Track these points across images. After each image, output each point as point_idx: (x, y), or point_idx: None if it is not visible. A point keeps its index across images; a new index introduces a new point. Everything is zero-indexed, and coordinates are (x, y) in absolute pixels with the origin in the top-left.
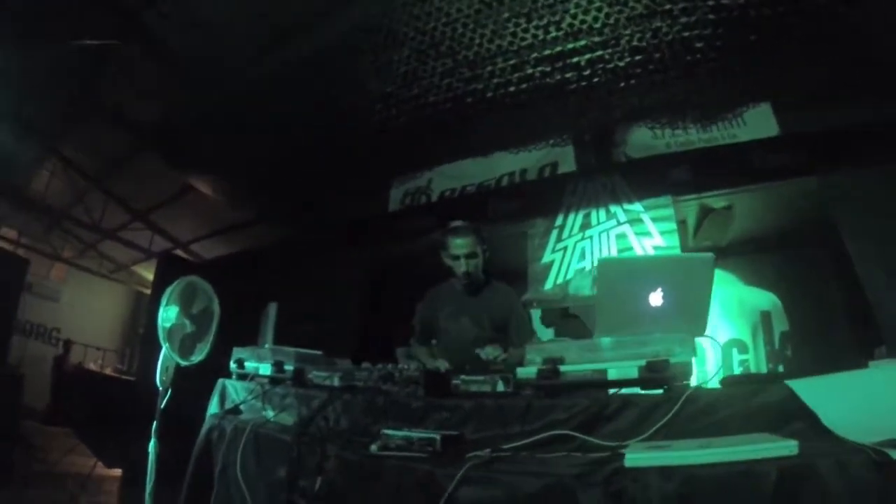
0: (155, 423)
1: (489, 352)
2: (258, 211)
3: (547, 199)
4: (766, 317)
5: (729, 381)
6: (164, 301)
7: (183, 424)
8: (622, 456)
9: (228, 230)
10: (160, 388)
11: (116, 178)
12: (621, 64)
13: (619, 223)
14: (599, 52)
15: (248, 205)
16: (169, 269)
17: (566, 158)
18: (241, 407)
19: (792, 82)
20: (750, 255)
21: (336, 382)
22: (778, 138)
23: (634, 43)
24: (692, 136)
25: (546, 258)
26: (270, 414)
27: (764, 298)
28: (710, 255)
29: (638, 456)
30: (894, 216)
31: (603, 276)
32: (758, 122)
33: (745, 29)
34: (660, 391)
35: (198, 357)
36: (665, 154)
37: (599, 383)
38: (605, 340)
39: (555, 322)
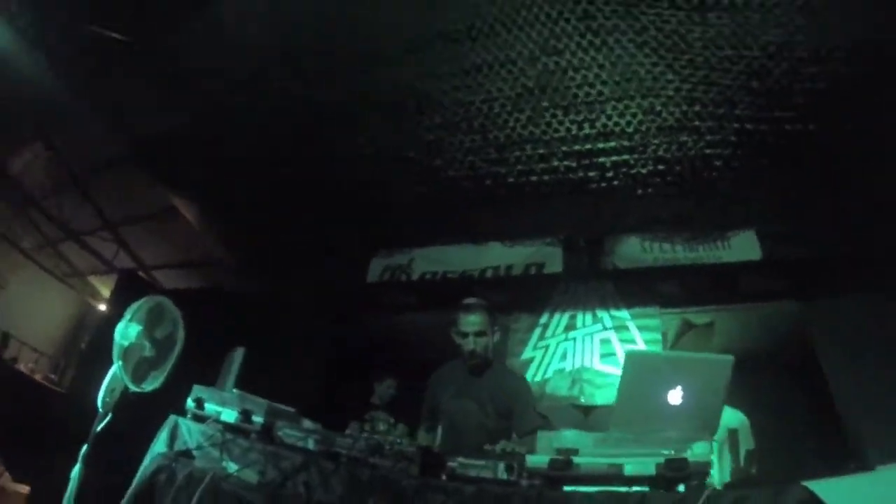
0: (85, 447)
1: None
2: (233, 251)
3: (534, 295)
4: (733, 434)
5: (737, 484)
6: (126, 317)
7: (115, 454)
8: None
9: (198, 265)
10: (100, 410)
11: (99, 181)
12: (643, 171)
13: (604, 328)
14: (626, 157)
15: (224, 242)
16: (129, 288)
17: (554, 260)
18: (195, 452)
19: (783, 211)
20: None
21: (311, 445)
22: (763, 262)
23: (660, 153)
24: (679, 254)
25: (526, 354)
26: (232, 467)
27: (733, 416)
28: (729, 357)
29: None
30: (868, 341)
31: (628, 369)
32: (742, 247)
33: (760, 152)
34: (679, 489)
35: (150, 385)
36: (656, 267)
37: (615, 478)
38: (623, 435)
39: None
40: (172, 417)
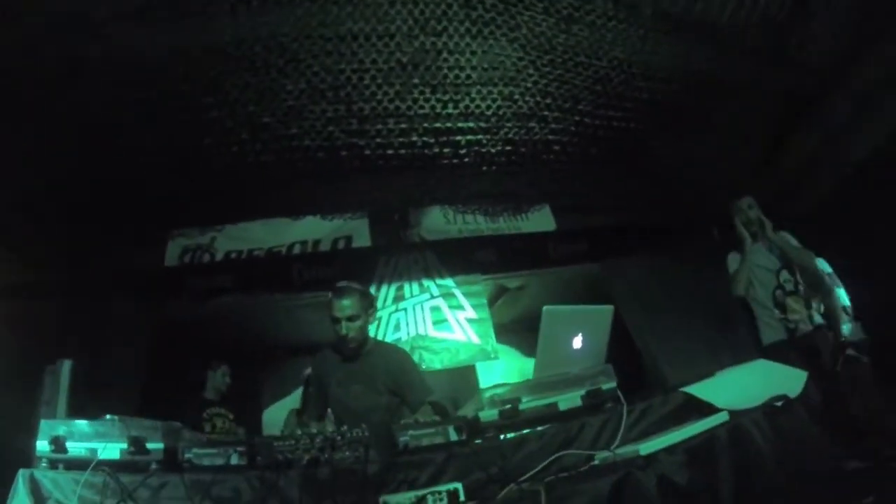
0: None
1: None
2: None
3: (358, 269)
4: None
5: (637, 399)
6: None
7: None
8: (635, 453)
9: None
10: None
11: None
12: (493, 150)
13: (432, 296)
14: (480, 137)
15: None
16: None
17: (361, 233)
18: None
19: (584, 187)
20: (532, 331)
21: (235, 460)
22: (566, 231)
23: (510, 136)
24: (481, 225)
25: (371, 331)
26: None
27: None
28: (610, 307)
29: (647, 445)
30: (656, 293)
31: (546, 323)
32: (540, 219)
33: (590, 141)
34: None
35: None
36: (468, 237)
37: (554, 415)
38: (550, 379)
39: None
40: (22, 472)
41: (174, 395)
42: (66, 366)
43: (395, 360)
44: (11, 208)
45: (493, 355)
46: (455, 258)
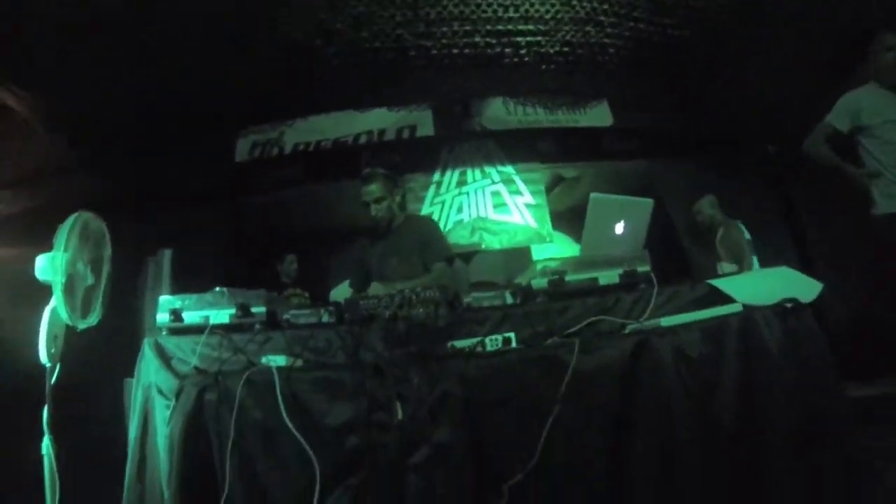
0: (46, 412)
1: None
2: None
3: (423, 156)
4: None
5: (668, 284)
6: (59, 244)
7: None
8: (657, 324)
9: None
10: (46, 364)
11: None
12: (551, 51)
13: (493, 182)
14: (539, 38)
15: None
16: None
17: (425, 123)
18: (197, 363)
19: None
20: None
21: (326, 318)
22: (617, 127)
23: (567, 38)
24: (540, 116)
25: (424, 210)
26: (280, 360)
27: None
28: (651, 200)
29: (668, 319)
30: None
31: (592, 208)
32: (597, 114)
33: (643, 46)
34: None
35: (95, 317)
36: (534, 128)
37: (594, 289)
38: (593, 257)
39: None
40: (147, 339)
41: (253, 280)
42: (167, 254)
43: (421, 229)
44: (106, 117)
45: (547, 239)
46: (516, 147)
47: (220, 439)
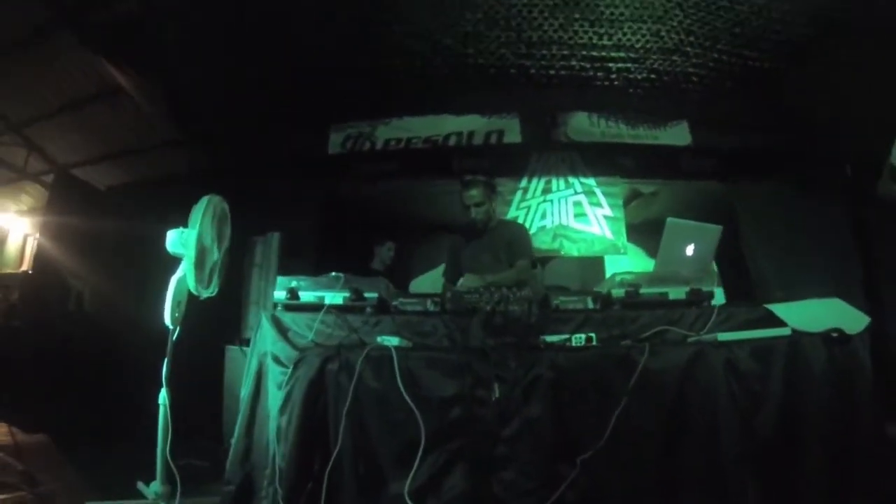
0: (165, 368)
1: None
2: (184, 130)
3: (510, 162)
4: None
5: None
6: (196, 220)
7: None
8: (714, 338)
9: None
10: (170, 327)
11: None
12: (639, 77)
13: (575, 192)
14: (629, 65)
15: (176, 121)
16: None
17: (512, 129)
18: (313, 337)
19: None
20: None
21: (430, 307)
22: (695, 147)
23: (655, 66)
24: (622, 130)
25: (511, 214)
26: (394, 340)
27: None
28: (720, 227)
29: (724, 335)
30: (776, 219)
31: (667, 231)
32: (676, 133)
33: (725, 76)
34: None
35: (214, 289)
36: (614, 142)
37: (664, 302)
38: (665, 274)
39: None
40: (264, 314)
41: (342, 265)
42: (276, 237)
43: (511, 232)
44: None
45: (622, 251)
46: (598, 160)
47: (336, 402)
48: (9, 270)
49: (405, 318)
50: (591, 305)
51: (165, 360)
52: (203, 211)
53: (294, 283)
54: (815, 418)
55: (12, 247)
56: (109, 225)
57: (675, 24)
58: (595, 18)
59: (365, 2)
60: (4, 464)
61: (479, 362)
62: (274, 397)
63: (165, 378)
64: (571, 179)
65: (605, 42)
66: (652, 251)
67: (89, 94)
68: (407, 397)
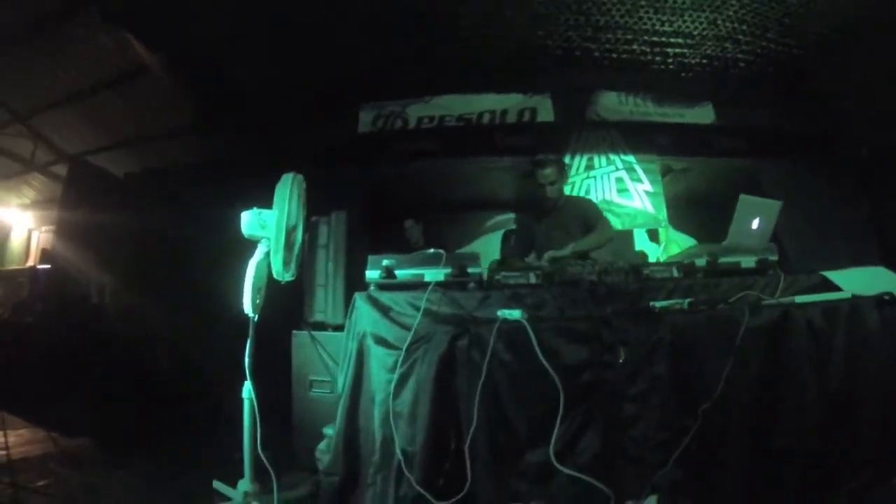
0: (247, 359)
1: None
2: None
3: (551, 140)
4: None
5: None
6: (284, 198)
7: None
8: (792, 301)
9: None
10: (251, 315)
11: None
12: (692, 62)
13: (617, 169)
14: (685, 51)
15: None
16: (84, 181)
17: (544, 107)
18: (417, 315)
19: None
20: (688, 208)
21: (532, 280)
22: (724, 126)
23: (708, 52)
24: (650, 109)
25: None
26: (516, 314)
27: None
28: (779, 202)
29: (800, 298)
30: (799, 194)
31: (740, 206)
32: (701, 112)
33: (769, 62)
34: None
35: (293, 273)
36: (651, 122)
37: (738, 270)
38: (738, 245)
39: None
40: (358, 294)
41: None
42: (342, 216)
43: (581, 207)
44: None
45: (662, 223)
46: (637, 139)
47: (470, 378)
48: (13, 266)
49: (512, 292)
50: (675, 274)
51: (247, 351)
52: (289, 189)
53: (387, 262)
54: (871, 367)
55: (16, 242)
56: (128, 212)
57: (730, 13)
58: (659, 6)
59: None
60: None
61: (604, 328)
62: (379, 381)
63: (249, 370)
64: (612, 156)
65: (667, 28)
66: (679, 223)
67: (109, 76)
68: (546, 365)
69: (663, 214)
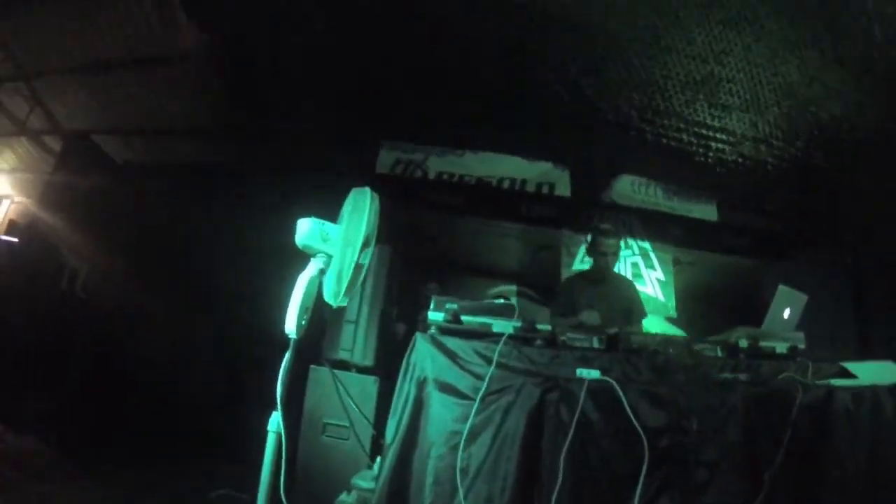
0: (280, 386)
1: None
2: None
3: (574, 216)
4: None
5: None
6: (364, 211)
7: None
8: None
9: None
10: (293, 338)
11: None
12: (727, 157)
13: (633, 254)
14: (723, 146)
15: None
16: (84, 162)
17: (563, 183)
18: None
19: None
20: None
21: (596, 344)
22: (728, 225)
23: (744, 151)
24: (659, 200)
25: (575, 266)
26: (595, 374)
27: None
28: (806, 295)
29: (837, 382)
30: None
31: (779, 295)
32: (705, 209)
33: (792, 166)
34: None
35: (346, 298)
36: (667, 213)
37: (773, 355)
38: (773, 332)
39: None
40: (419, 334)
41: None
42: (385, 250)
43: (631, 290)
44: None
45: (671, 313)
46: (653, 227)
47: (556, 434)
48: None
49: (581, 353)
50: (720, 353)
51: (280, 378)
52: (368, 204)
53: (453, 306)
54: (891, 452)
55: None
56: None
57: (769, 118)
58: (713, 101)
59: (533, 21)
60: None
61: (680, 395)
62: (440, 432)
63: (280, 400)
64: (630, 241)
65: (716, 123)
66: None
67: (144, 54)
68: (636, 424)
69: (672, 304)
